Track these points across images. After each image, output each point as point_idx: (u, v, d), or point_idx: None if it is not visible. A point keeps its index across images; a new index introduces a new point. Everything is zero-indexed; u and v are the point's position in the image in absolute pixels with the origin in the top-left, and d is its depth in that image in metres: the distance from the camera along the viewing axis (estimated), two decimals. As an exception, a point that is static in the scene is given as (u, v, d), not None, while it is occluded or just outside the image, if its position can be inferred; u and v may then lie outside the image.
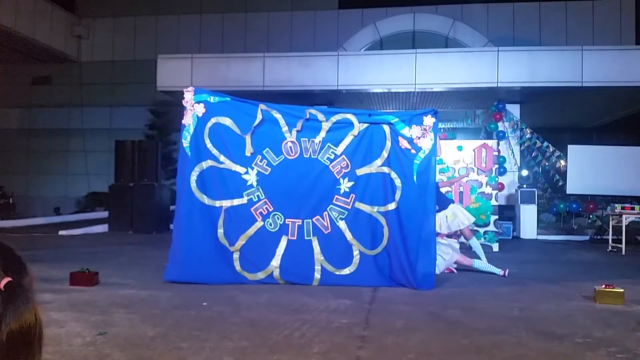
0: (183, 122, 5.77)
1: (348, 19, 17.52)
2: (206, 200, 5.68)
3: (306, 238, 5.67)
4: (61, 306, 4.36)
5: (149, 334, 3.58)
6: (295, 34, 17.80)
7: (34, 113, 18.90)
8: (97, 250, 8.30)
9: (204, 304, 4.56)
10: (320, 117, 5.84)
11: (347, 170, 5.78)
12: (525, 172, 12.61)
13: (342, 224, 5.70)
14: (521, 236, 11.79)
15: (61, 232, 11.04)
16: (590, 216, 12.44)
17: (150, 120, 17.47)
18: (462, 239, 7.40)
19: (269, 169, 5.78)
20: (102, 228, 11.79)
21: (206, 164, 5.73)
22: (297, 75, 12.62)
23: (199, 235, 5.61)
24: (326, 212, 5.73)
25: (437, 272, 6.14)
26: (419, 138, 5.68)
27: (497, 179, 9.57)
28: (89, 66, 18.71)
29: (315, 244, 5.65)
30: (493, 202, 9.25)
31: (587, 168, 11.54)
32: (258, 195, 5.74)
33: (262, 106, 5.84)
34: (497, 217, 9.41)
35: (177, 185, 5.85)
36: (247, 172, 5.76)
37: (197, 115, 5.76)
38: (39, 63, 18.52)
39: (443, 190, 7.42)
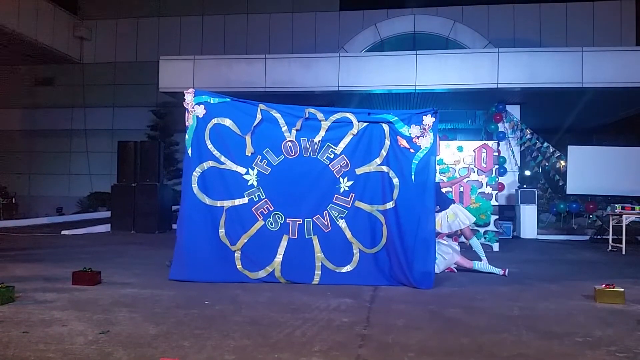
0: (187, 123, 5.85)
1: (349, 20, 17.58)
2: (207, 200, 5.74)
3: (306, 237, 5.71)
4: (64, 305, 4.39)
5: (151, 333, 3.61)
6: (296, 36, 17.84)
7: (37, 114, 18.98)
8: (99, 250, 8.34)
9: (206, 302, 4.59)
10: (320, 116, 5.87)
11: (346, 170, 5.81)
12: (528, 173, 12.62)
13: (342, 223, 5.74)
14: (521, 236, 11.81)
15: (64, 232, 11.09)
16: (590, 216, 12.46)
17: (152, 121, 17.54)
18: (463, 239, 7.42)
19: (269, 169, 5.82)
20: (105, 228, 11.84)
21: (207, 164, 5.79)
22: (298, 77, 12.66)
23: (200, 235, 5.68)
24: (326, 211, 5.76)
25: (437, 271, 6.18)
26: (418, 137, 5.71)
27: (497, 179, 9.59)
28: (92, 67, 18.79)
29: (316, 243, 5.69)
30: (493, 202, 9.27)
31: (587, 168, 11.56)
32: (259, 195, 5.78)
33: (261, 106, 5.89)
34: (497, 217, 9.43)
35: (182, 186, 5.92)
36: (247, 172, 5.81)
37: (197, 116, 5.82)
38: (42, 64, 18.61)
39: (444, 190, 7.45)
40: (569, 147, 11.92)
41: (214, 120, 5.83)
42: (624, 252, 9.01)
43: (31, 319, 3.93)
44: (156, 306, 4.44)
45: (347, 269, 5.66)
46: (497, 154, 9.65)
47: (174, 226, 12.12)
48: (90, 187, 17.85)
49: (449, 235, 7.14)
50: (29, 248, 8.56)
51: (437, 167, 6.37)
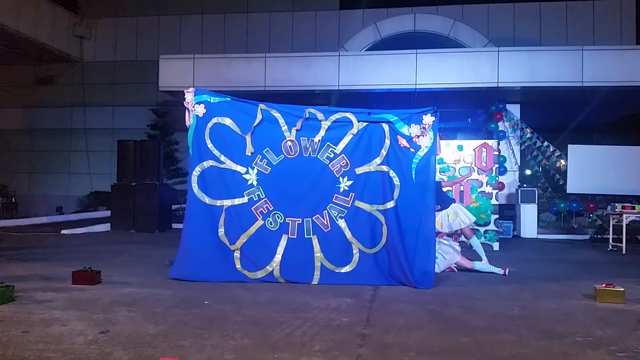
0: (187, 123, 5.85)
1: (349, 19, 17.56)
2: (207, 199, 5.74)
3: (306, 236, 5.70)
4: (63, 305, 4.39)
5: (150, 332, 3.60)
6: (296, 34, 17.84)
7: (37, 113, 18.97)
8: (99, 249, 8.34)
9: (206, 302, 4.59)
10: (320, 116, 5.87)
11: (346, 169, 5.81)
12: (528, 172, 12.61)
13: (341, 223, 5.73)
14: (521, 235, 11.81)
15: (64, 231, 11.09)
16: (591, 215, 12.45)
17: (152, 120, 17.54)
18: (463, 238, 7.42)
19: (269, 169, 5.82)
20: (105, 227, 11.84)
21: (207, 163, 5.80)
22: (298, 76, 12.66)
23: (200, 234, 5.69)
24: (326, 211, 5.76)
25: (438, 270, 6.18)
26: (418, 137, 5.70)
27: (497, 178, 9.59)
28: (91, 66, 18.79)
29: (315, 243, 5.68)
30: (493, 201, 9.27)
31: (588, 167, 11.56)
32: (258, 195, 5.78)
33: (261, 106, 5.89)
34: (497, 216, 9.43)
35: (187, 185, 5.96)
36: (247, 172, 5.81)
37: (197, 115, 5.82)
38: (42, 63, 18.60)
39: (445, 189, 7.45)
40: (569, 146, 11.91)
41: (214, 120, 5.83)
42: (624, 252, 9.01)
43: (31, 318, 3.93)
44: (156, 306, 4.43)
45: (346, 269, 5.66)
46: (497, 153, 9.65)
47: (174, 225, 12.17)
48: (90, 187, 17.86)
49: (449, 235, 7.14)
50: (29, 247, 8.56)
51: (437, 166, 6.37)
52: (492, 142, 9.62)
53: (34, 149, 18.92)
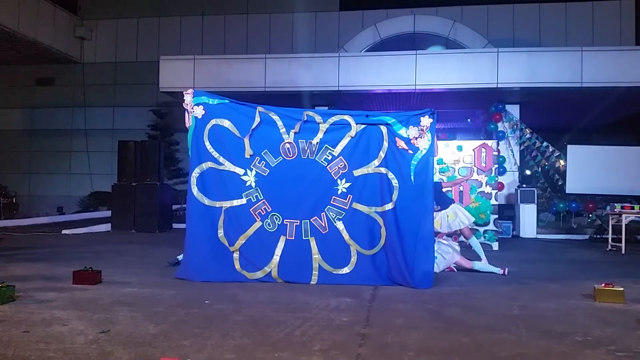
0: (186, 124, 5.88)
1: (349, 20, 17.60)
2: (206, 201, 5.77)
3: (304, 238, 5.72)
4: (64, 304, 4.40)
5: (151, 332, 3.62)
6: (296, 36, 17.86)
7: (37, 113, 19.01)
8: (100, 249, 8.35)
9: (206, 302, 4.60)
10: (318, 118, 5.89)
11: (344, 171, 5.83)
12: (528, 172, 12.62)
13: (339, 225, 5.75)
14: (521, 235, 11.82)
15: (64, 231, 11.10)
16: (590, 215, 12.47)
17: (152, 121, 17.57)
18: (462, 238, 7.44)
19: (268, 170, 5.84)
20: (105, 227, 11.85)
21: (206, 165, 5.83)
22: (298, 77, 12.67)
23: (200, 236, 5.72)
24: (324, 213, 5.77)
25: (437, 270, 6.19)
26: (416, 138, 5.72)
27: (496, 178, 9.60)
28: (92, 67, 18.82)
29: (313, 244, 5.70)
30: (493, 201, 9.28)
31: (587, 168, 11.57)
32: (257, 196, 5.80)
33: (260, 108, 5.91)
34: (496, 216, 9.44)
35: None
36: (246, 174, 5.83)
37: (196, 117, 5.84)
38: (42, 64, 18.64)
39: (445, 189, 7.47)
40: (568, 146, 11.93)
41: (213, 121, 5.85)
42: (623, 252, 9.02)
43: (32, 318, 3.94)
44: (156, 305, 4.45)
45: (345, 270, 5.67)
46: (496, 153, 9.66)
47: (175, 225, 12.18)
48: (91, 187, 17.88)
49: (449, 235, 7.16)
50: (30, 247, 8.57)
51: (437, 167, 6.38)
52: (491, 143, 9.63)
53: (34, 150, 18.95)
